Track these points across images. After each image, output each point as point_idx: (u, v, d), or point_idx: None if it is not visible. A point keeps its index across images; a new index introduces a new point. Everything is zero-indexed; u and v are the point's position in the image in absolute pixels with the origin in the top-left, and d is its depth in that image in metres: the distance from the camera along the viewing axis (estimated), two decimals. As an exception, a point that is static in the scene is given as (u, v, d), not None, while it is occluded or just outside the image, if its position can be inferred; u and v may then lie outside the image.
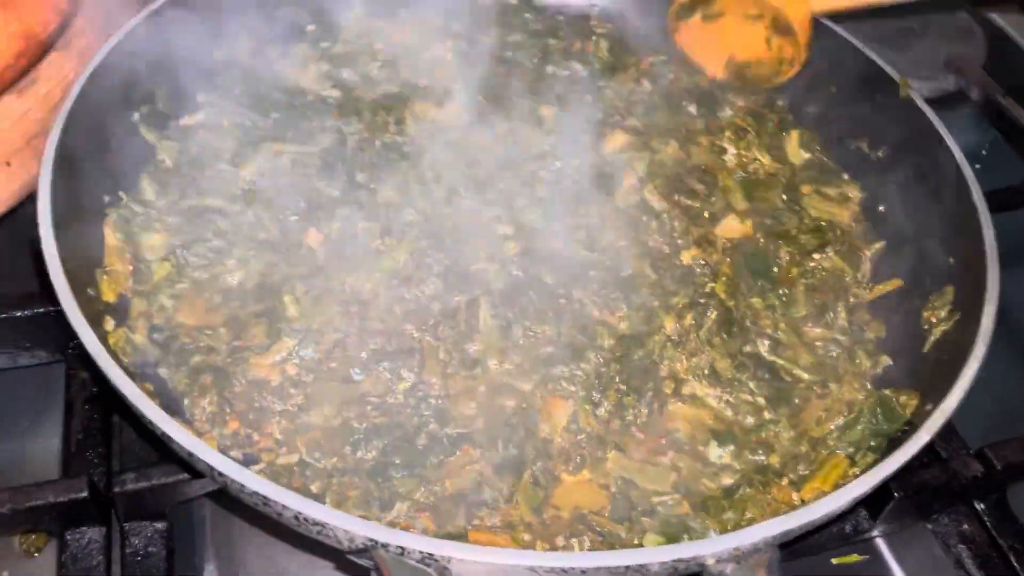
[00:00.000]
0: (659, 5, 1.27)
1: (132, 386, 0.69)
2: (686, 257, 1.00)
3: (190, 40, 1.08)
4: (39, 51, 0.93)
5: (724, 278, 0.98)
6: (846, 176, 1.13)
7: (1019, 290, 1.35)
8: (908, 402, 0.86)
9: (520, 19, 1.29)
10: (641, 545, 0.75)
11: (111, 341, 0.82)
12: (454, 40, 1.20)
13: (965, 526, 0.98)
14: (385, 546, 0.62)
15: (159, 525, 0.88)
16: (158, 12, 1.05)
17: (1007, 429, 1.01)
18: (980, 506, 0.98)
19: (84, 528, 0.86)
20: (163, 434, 0.68)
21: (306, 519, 0.64)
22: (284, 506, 0.64)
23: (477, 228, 1.02)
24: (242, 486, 0.66)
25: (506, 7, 1.29)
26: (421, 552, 0.62)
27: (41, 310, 0.96)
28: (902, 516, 0.96)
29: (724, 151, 1.13)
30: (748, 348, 0.94)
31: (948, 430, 1.03)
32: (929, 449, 1.00)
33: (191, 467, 0.73)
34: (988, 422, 1.14)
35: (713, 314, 0.94)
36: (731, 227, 1.05)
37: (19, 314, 0.96)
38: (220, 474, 0.66)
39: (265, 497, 0.65)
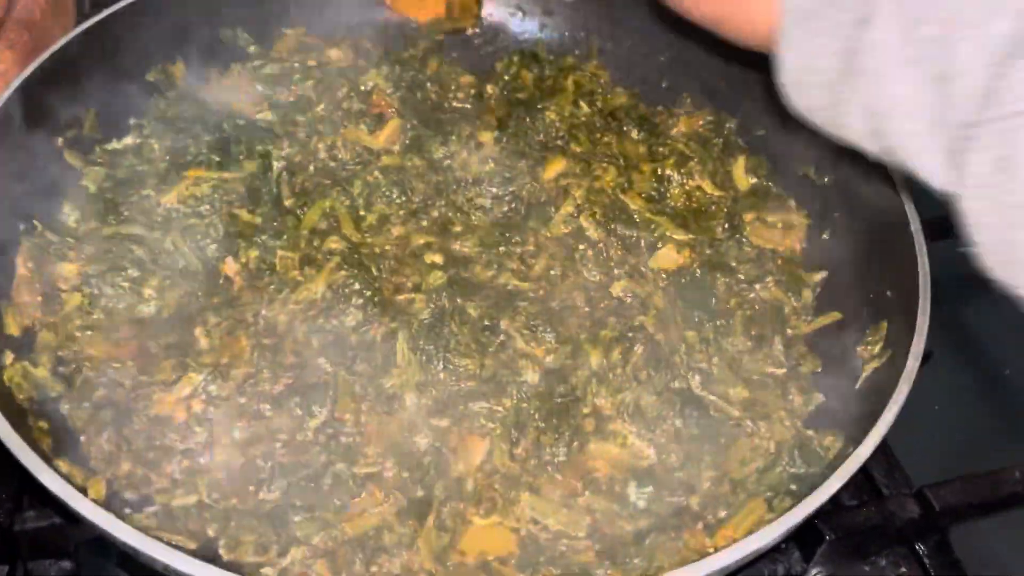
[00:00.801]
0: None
1: (7, 429, 0.67)
2: (616, 289, 0.97)
3: (122, 60, 1.06)
4: (-47, 77, 0.92)
5: (654, 311, 0.95)
6: (792, 203, 1.10)
7: (985, 319, 1.32)
8: (832, 443, 0.83)
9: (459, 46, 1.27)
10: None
11: (6, 376, 0.80)
12: (389, 65, 1.17)
13: (903, 569, 0.94)
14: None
15: (64, 564, 0.86)
16: (88, 31, 1.03)
17: (973, 465, 0.97)
18: (921, 548, 0.95)
19: (-14, 566, 0.84)
20: (38, 482, 0.66)
21: (175, 571, 0.62)
22: (152, 558, 0.62)
23: (405, 257, 1.00)
24: (113, 536, 0.63)
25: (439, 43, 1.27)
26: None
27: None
28: (837, 558, 0.93)
29: (666, 179, 1.10)
30: (677, 384, 0.91)
31: (891, 465, 1.00)
32: (869, 484, 0.98)
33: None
34: (943, 456, 1.11)
35: (640, 348, 0.91)
36: (667, 257, 1.02)
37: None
38: (91, 523, 0.64)
39: (134, 548, 0.62)
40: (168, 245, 0.95)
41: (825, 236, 1.06)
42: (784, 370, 0.95)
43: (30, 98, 0.95)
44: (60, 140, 1.01)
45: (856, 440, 0.77)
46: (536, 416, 0.86)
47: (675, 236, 1.04)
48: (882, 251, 0.97)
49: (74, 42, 1.01)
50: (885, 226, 0.97)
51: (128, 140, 1.07)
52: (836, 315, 0.98)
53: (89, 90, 1.03)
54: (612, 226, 1.04)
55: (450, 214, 1.05)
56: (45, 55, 0.97)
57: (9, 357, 0.82)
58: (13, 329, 0.85)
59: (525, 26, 1.31)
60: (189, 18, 1.13)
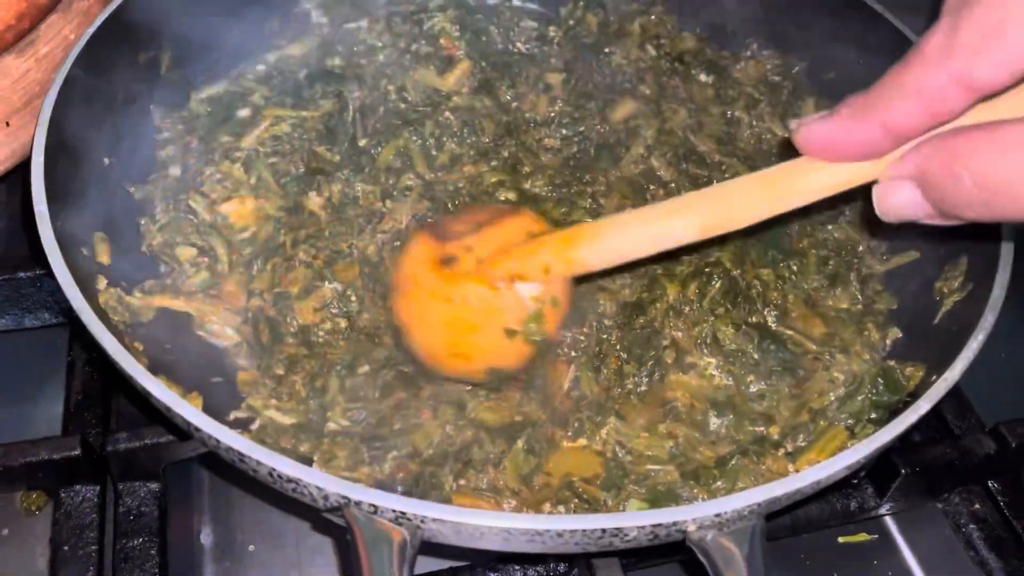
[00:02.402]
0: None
1: (113, 342, 0.69)
2: (691, 223, 0.97)
3: (196, 13, 1.08)
4: (39, 13, 0.93)
5: (731, 246, 0.95)
6: (863, 145, 1.09)
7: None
8: (914, 374, 0.83)
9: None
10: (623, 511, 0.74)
11: (101, 300, 0.81)
12: (455, 9, 1.18)
13: (977, 506, 0.95)
14: (358, 504, 0.61)
15: (152, 486, 0.88)
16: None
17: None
18: (994, 485, 0.95)
19: (78, 486, 0.87)
20: (142, 389, 0.68)
21: (279, 475, 0.64)
22: (258, 462, 0.64)
23: (478, 194, 1.01)
24: (218, 441, 0.65)
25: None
26: (394, 511, 0.61)
27: (42, 272, 0.96)
28: (910, 494, 0.93)
29: (736, 121, 1.09)
30: (754, 318, 0.92)
31: (963, 407, 1.00)
32: (941, 425, 0.98)
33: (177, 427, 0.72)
34: (1013, 400, 1.10)
35: (718, 283, 0.92)
36: (740, 195, 1.02)
37: (22, 275, 0.97)
38: (196, 428, 0.66)
39: (240, 453, 0.64)
40: (253, 180, 0.96)
41: (899, 177, 1.05)
42: (860, 307, 0.95)
43: (109, 36, 0.96)
44: (138, 80, 1.02)
45: (939, 369, 0.77)
46: (617, 346, 0.87)
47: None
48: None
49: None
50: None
51: (203, 89, 1.07)
52: (913, 254, 0.97)
53: (167, 36, 1.05)
54: (683, 166, 1.04)
55: (520, 154, 1.05)
56: (126, -7, 0.99)
57: (102, 282, 0.84)
58: (104, 257, 0.86)
59: (590, -29, 1.30)
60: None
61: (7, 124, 0.89)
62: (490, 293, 0.76)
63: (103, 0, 0.99)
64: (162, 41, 1.05)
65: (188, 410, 0.65)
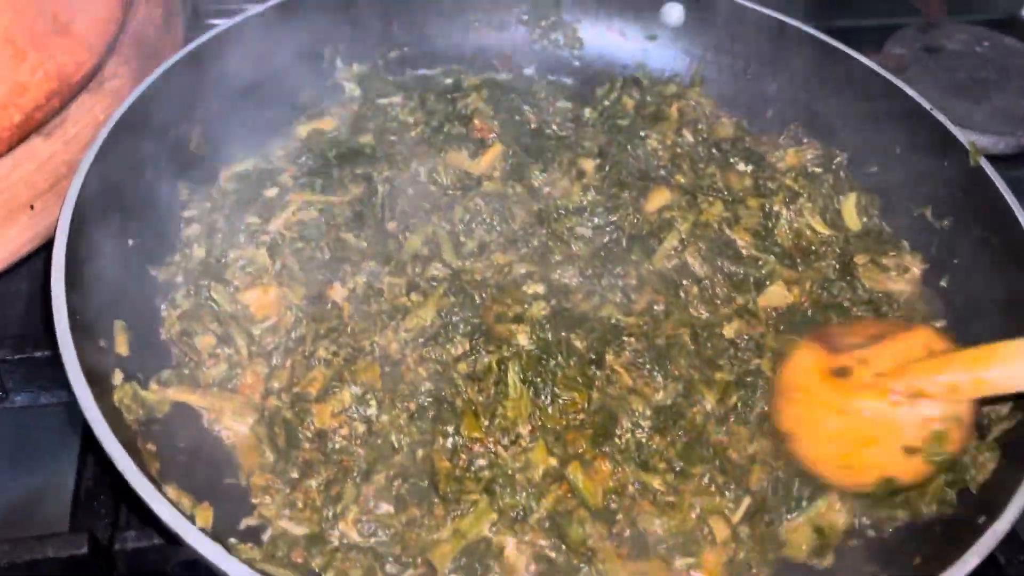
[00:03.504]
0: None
1: (124, 457, 0.67)
2: (729, 331, 0.94)
3: (228, 83, 1.07)
4: (71, 93, 0.92)
5: (769, 353, 0.92)
6: (906, 244, 1.06)
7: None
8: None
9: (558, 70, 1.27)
10: None
11: (116, 397, 0.79)
12: (489, 88, 1.16)
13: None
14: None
15: (161, 584, 0.85)
16: (195, 53, 1.03)
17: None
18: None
19: (85, 584, 0.84)
20: (149, 506, 0.65)
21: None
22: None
23: (507, 285, 0.98)
24: (225, 573, 0.62)
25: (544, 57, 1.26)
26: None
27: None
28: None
29: (774, 215, 1.06)
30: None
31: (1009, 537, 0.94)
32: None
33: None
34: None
35: (763, 397, 0.88)
36: (777, 294, 0.99)
37: (38, 355, 0.95)
38: (202, 556, 0.63)
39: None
40: (276, 267, 0.94)
41: (943, 283, 1.01)
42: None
43: (139, 116, 0.95)
44: (166, 159, 1.01)
45: (986, 511, 0.73)
46: (666, 452, 0.84)
47: (785, 274, 1.01)
48: (1009, 306, 0.92)
49: (180, 63, 1.01)
50: (1014, 279, 0.92)
51: (233, 166, 1.06)
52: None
53: (197, 112, 1.04)
54: (718, 262, 1.01)
55: (550, 243, 1.03)
56: (155, 74, 0.98)
57: (118, 376, 0.81)
58: (122, 347, 0.84)
59: (627, 51, 1.29)
60: (295, 42, 1.14)
61: (31, 207, 0.87)
62: (888, 408, 0.76)
63: (135, 78, 0.97)
64: (193, 117, 1.04)
65: (194, 536, 0.63)
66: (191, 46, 1.03)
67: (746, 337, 0.93)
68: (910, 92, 1.10)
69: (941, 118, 1.05)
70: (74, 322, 0.77)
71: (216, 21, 1.50)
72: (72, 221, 0.83)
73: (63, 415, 1.03)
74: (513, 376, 0.87)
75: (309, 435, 0.82)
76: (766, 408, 0.88)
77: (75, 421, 1.00)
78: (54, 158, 0.88)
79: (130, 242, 0.93)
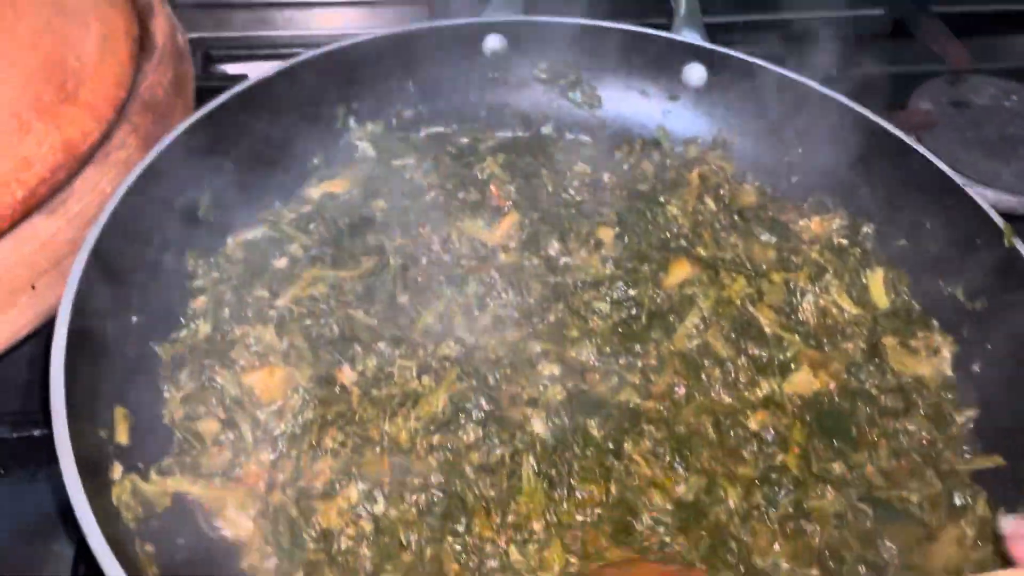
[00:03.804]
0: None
1: (113, 563, 0.63)
2: (753, 423, 0.90)
3: (239, 151, 1.04)
4: (77, 164, 0.90)
5: (797, 448, 0.88)
6: (936, 325, 1.02)
7: None
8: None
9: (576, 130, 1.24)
10: None
11: (115, 494, 0.76)
12: (505, 151, 1.13)
13: None
14: None
15: None
16: (205, 118, 1.01)
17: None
18: None
19: None
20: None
21: None
22: None
23: (522, 364, 0.95)
24: None
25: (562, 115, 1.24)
26: None
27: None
28: None
29: (799, 292, 1.02)
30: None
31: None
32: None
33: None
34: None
35: (788, 496, 0.84)
36: (803, 381, 0.95)
37: (37, 433, 0.92)
38: None
39: None
40: (284, 346, 0.91)
41: (976, 368, 0.97)
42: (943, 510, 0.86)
43: (148, 188, 0.93)
44: (174, 231, 0.98)
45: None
46: (689, 554, 0.80)
47: (811, 357, 0.97)
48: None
49: (190, 130, 0.98)
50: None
51: (245, 235, 1.03)
52: (997, 459, 0.89)
53: (207, 178, 1.01)
54: (741, 343, 0.97)
55: (567, 318, 0.99)
56: (164, 142, 0.95)
57: (118, 470, 0.78)
58: (122, 436, 0.81)
59: (647, 110, 1.26)
60: (307, 102, 1.11)
61: (32, 287, 0.84)
62: None
63: (143, 147, 0.95)
64: (202, 183, 1.02)
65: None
66: (200, 112, 1.00)
67: (771, 430, 0.89)
68: (941, 166, 1.06)
69: (974, 195, 1.02)
70: (72, 415, 0.73)
71: (227, 67, 1.50)
72: (75, 304, 0.81)
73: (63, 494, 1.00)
74: (527, 469, 0.84)
75: (314, 535, 0.78)
76: (790, 509, 0.84)
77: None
78: (57, 236, 0.85)
79: (134, 319, 0.90)
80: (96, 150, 0.92)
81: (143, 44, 1.05)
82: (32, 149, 0.87)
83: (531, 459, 0.84)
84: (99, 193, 0.89)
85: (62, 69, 0.93)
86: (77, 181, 0.88)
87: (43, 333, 0.93)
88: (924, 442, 0.92)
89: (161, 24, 1.07)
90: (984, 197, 1.15)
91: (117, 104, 0.96)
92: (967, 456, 0.92)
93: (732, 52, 1.20)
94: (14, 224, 0.84)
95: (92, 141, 0.92)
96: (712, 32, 1.26)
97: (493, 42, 1.22)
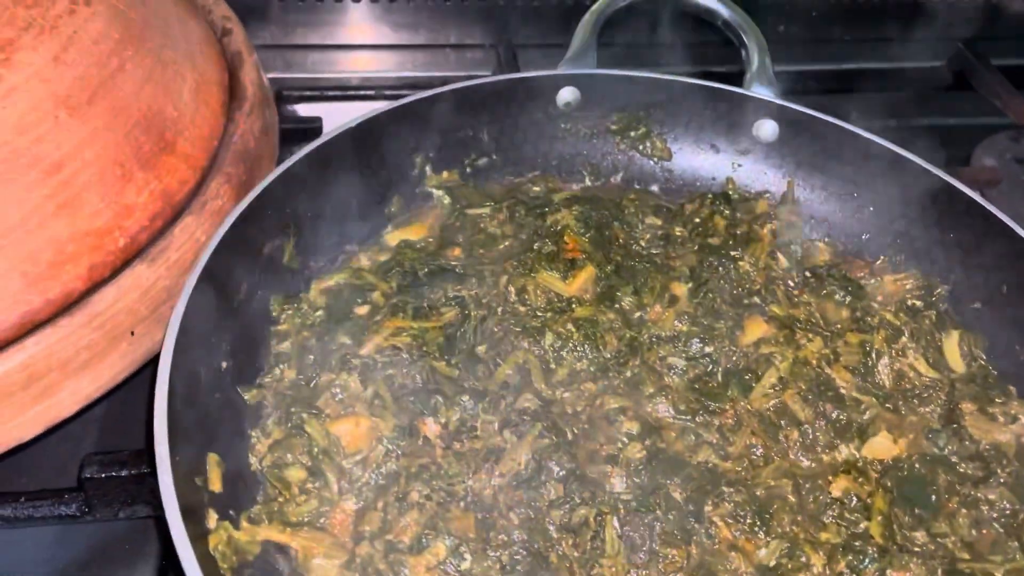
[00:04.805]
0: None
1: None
2: (836, 489, 0.90)
3: (321, 198, 1.07)
4: (173, 213, 0.92)
5: (879, 516, 0.88)
6: (1014, 391, 1.01)
7: None
8: None
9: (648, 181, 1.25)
10: None
11: (212, 543, 0.77)
12: (579, 203, 1.15)
13: None
14: None
15: None
16: (294, 168, 1.03)
17: None
18: None
19: None
20: None
21: None
22: None
23: (599, 420, 0.95)
24: None
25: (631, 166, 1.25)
26: None
27: (147, 470, 0.93)
28: None
29: (875, 354, 1.02)
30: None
31: None
32: None
33: None
34: None
35: (871, 565, 0.84)
36: (882, 447, 0.95)
37: (124, 474, 0.94)
38: None
39: None
40: (368, 395, 0.93)
41: (1057, 437, 0.97)
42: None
43: (239, 237, 0.95)
44: (263, 275, 1.00)
45: None
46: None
47: (890, 421, 0.97)
48: None
49: (279, 179, 1.01)
50: None
51: (328, 281, 1.05)
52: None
53: (292, 225, 1.03)
54: (820, 405, 0.97)
55: (643, 374, 1.00)
56: (255, 192, 0.98)
57: (213, 518, 0.80)
58: (216, 484, 0.83)
59: (716, 164, 1.27)
60: (386, 152, 1.14)
61: (132, 334, 0.86)
62: None
63: (237, 196, 0.97)
64: (287, 230, 1.04)
65: None
66: (287, 164, 1.02)
67: (854, 496, 0.89)
68: (1014, 226, 1.06)
69: (1052, 260, 1.01)
70: (174, 463, 0.75)
71: (299, 108, 1.53)
72: (175, 351, 0.83)
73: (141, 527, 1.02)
74: (611, 531, 0.84)
75: (405, 589, 0.79)
76: None
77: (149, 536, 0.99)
78: (157, 284, 0.87)
79: (224, 364, 0.92)
80: (192, 199, 0.94)
81: (233, 92, 1.08)
82: (133, 198, 0.90)
83: (614, 521, 0.85)
84: (195, 242, 0.91)
85: (161, 119, 0.95)
86: (176, 229, 0.90)
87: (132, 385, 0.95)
88: (1006, 512, 0.91)
89: (250, 72, 1.10)
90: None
91: (211, 153, 0.99)
92: (1050, 528, 0.91)
93: (804, 109, 1.21)
94: (115, 272, 0.87)
95: (188, 190, 0.94)
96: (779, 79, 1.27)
97: (567, 95, 1.24)
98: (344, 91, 1.54)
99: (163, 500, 0.72)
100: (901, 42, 1.77)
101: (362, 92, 1.56)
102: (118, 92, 0.92)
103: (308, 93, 1.53)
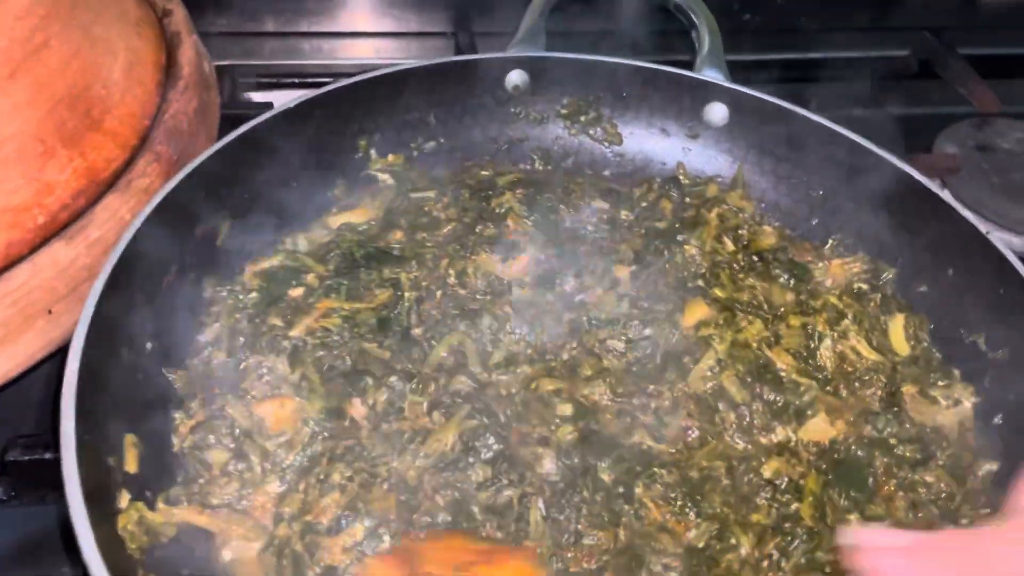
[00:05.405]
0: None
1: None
2: (767, 471, 0.89)
3: (260, 179, 1.05)
4: (98, 191, 0.91)
5: (810, 498, 0.86)
6: (957, 374, 1.00)
7: None
8: None
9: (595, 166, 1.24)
10: None
11: (120, 523, 0.76)
12: (524, 186, 1.13)
13: None
14: None
15: None
16: (229, 147, 1.01)
17: None
18: None
19: None
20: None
21: None
22: None
23: (534, 402, 0.94)
24: None
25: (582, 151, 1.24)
26: None
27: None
28: None
29: (817, 336, 1.01)
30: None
31: None
32: None
33: None
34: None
35: (800, 547, 0.82)
36: (819, 429, 0.94)
37: (48, 456, 0.92)
38: None
39: None
40: (296, 376, 0.91)
41: (997, 421, 0.95)
42: None
43: (166, 216, 0.93)
44: (193, 259, 0.99)
45: None
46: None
47: (828, 404, 0.96)
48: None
49: (211, 159, 0.99)
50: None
51: (264, 263, 1.04)
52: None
53: (227, 206, 1.02)
54: (757, 388, 0.96)
55: (581, 357, 0.99)
56: (185, 171, 0.96)
57: (125, 498, 0.78)
58: (131, 465, 0.81)
59: (667, 148, 1.26)
60: (329, 133, 1.12)
61: (49, 312, 0.85)
62: None
63: (165, 175, 0.95)
64: (221, 211, 1.02)
65: None
66: (221, 142, 1.01)
67: (785, 478, 0.88)
68: (965, 213, 1.05)
69: (998, 242, 1.00)
70: (82, 441, 0.73)
71: (253, 95, 1.52)
72: (90, 330, 0.81)
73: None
74: (535, 513, 0.83)
75: (318, 571, 0.78)
76: (803, 560, 0.82)
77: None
78: (76, 262, 0.86)
79: (148, 345, 0.91)
80: (118, 177, 0.93)
81: (170, 72, 1.06)
82: (54, 175, 0.88)
83: (540, 503, 0.83)
84: (119, 220, 0.90)
85: (88, 96, 0.94)
86: (97, 208, 0.89)
87: (58, 357, 0.93)
88: (942, 495, 0.90)
89: (188, 53, 1.08)
90: (1009, 243, 1.15)
91: (141, 132, 0.97)
92: (986, 511, 0.90)
93: (754, 92, 1.20)
94: (33, 249, 0.85)
95: (114, 168, 0.93)
96: (734, 69, 1.26)
97: (516, 77, 1.23)
98: (300, 78, 1.53)
99: (64, 477, 0.70)
100: (868, 31, 1.76)
101: (319, 80, 1.54)
102: (42, 68, 0.90)
103: (263, 80, 1.51)
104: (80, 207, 0.90)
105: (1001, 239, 1.03)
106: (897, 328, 1.04)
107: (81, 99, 0.93)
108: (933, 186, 1.09)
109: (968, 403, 0.97)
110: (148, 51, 1.05)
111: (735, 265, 1.10)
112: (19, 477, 0.93)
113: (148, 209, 0.91)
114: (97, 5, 1.00)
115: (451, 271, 1.05)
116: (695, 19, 1.26)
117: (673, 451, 0.91)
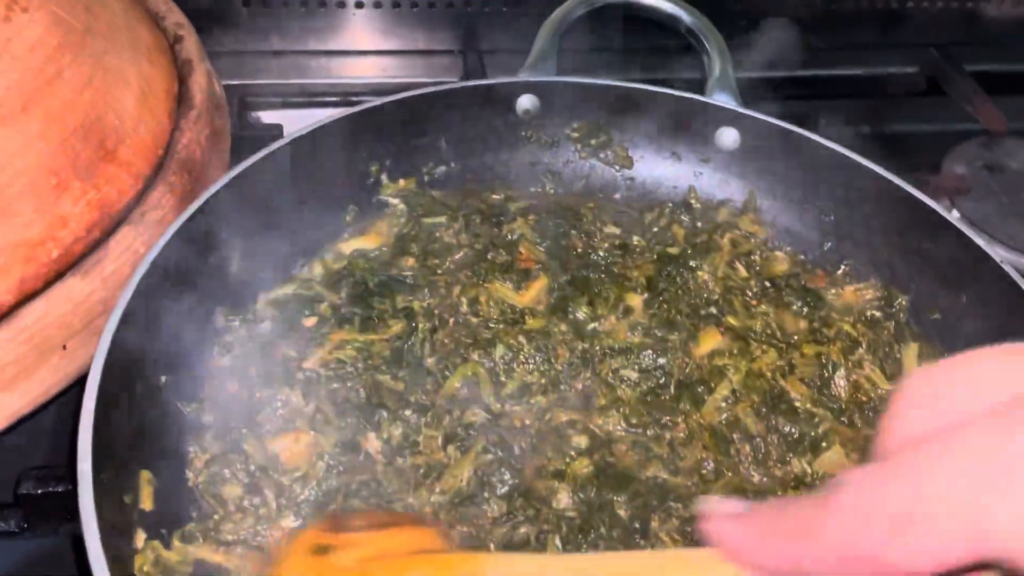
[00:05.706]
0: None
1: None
2: (782, 504, 0.88)
3: (272, 207, 1.05)
4: (112, 223, 0.90)
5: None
6: (972, 404, 1.00)
7: None
8: None
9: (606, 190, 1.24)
10: None
11: (137, 564, 0.75)
12: (535, 212, 1.13)
13: None
14: None
15: None
16: (242, 177, 1.01)
17: None
18: None
19: None
20: None
21: None
22: None
23: (548, 434, 0.94)
24: None
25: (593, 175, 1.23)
26: None
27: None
28: None
29: (831, 366, 1.01)
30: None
31: None
32: None
33: None
34: None
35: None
36: (834, 462, 0.93)
37: (61, 489, 0.92)
38: None
39: None
40: (310, 409, 0.91)
41: (1014, 451, 0.95)
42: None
43: (180, 248, 0.93)
44: (206, 286, 0.98)
45: None
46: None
47: (843, 435, 0.95)
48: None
49: (225, 189, 0.99)
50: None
51: (274, 293, 1.03)
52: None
53: (240, 235, 1.01)
54: (772, 419, 0.96)
55: (595, 387, 0.98)
56: (198, 202, 0.96)
57: (141, 538, 0.78)
58: (147, 502, 0.81)
59: (678, 172, 1.25)
60: (341, 160, 1.12)
61: (64, 347, 0.85)
62: None
63: (179, 207, 0.95)
64: (234, 240, 1.02)
65: None
66: (234, 172, 1.00)
67: (802, 513, 0.88)
68: (975, 238, 1.04)
69: (1012, 274, 1.00)
70: (99, 481, 0.73)
71: (262, 115, 1.52)
72: (105, 366, 0.81)
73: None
74: (553, 550, 0.82)
75: (336, 611, 0.77)
76: None
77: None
78: (91, 296, 0.85)
79: (163, 379, 0.90)
80: (132, 209, 0.92)
81: (182, 100, 1.06)
82: (68, 208, 0.88)
83: (556, 540, 0.83)
84: (133, 253, 0.89)
85: (101, 127, 0.93)
86: (112, 242, 0.89)
87: (71, 391, 0.93)
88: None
89: (200, 80, 1.08)
90: (1019, 265, 1.15)
91: (154, 162, 0.97)
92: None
93: (765, 117, 1.20)
94: (48, 284, 0.85)
95: (129, 199, 0.93)
96: (742, 87, 1.25)
97: (526, 102, 1.23)
98: (309, 97, 1.53)
99: (82, 520, 0.70)
100: (874, 48, 1.76)
101: (327, 99, 1.54)
102: (54, 100, 0.90)
103: (271, 100, 1.51)
104: (94, 240, 0.89)
105: (1010, 260, 1.03)
106: (911, 357, 1.04)
107: (94, 130, 0.92)
108: (942, 210, 1.09)
109: (983, 434, 0.97)
110: (160, 79, 1.04)
111: (748, 292, 1.10)
112: (32, 511, 0.93)
113: (162, 242, 0.91)
114: (110, 33, 1.00)
115: (463, 299, 1.05)
116: (705, 43, 1.26)
117: (689, 484, 0.91)
